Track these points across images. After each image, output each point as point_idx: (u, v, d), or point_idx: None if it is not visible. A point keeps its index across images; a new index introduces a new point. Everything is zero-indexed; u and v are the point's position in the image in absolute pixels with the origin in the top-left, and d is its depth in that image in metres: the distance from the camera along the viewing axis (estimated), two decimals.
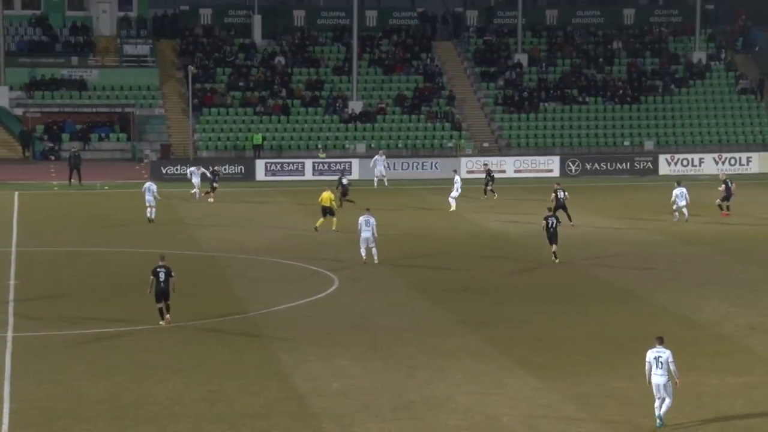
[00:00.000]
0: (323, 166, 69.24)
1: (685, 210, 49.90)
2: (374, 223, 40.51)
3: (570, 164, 71.30)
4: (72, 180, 64.40)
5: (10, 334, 30.40)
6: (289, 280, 38.09)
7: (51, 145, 74.99)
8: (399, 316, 32.78)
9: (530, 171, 68.96)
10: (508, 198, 57.46)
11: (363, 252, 40.59)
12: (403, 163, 70.22)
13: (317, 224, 47.18)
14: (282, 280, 38.08)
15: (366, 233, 40.34)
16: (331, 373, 26.92)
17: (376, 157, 65.44)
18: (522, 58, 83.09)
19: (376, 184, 63.91)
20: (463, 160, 71.34)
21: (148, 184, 51.99)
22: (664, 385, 23.36)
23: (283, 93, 79.07)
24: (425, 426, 23.41)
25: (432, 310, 33.69)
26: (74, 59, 79.21)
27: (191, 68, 74.68)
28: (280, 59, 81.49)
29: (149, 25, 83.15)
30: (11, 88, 76.34)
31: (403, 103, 79.04)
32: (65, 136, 75.58)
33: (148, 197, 50.84)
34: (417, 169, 69.29)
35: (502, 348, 29.24)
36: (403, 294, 35.86)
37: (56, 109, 76.56)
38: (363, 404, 24.67)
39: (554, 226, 41.28)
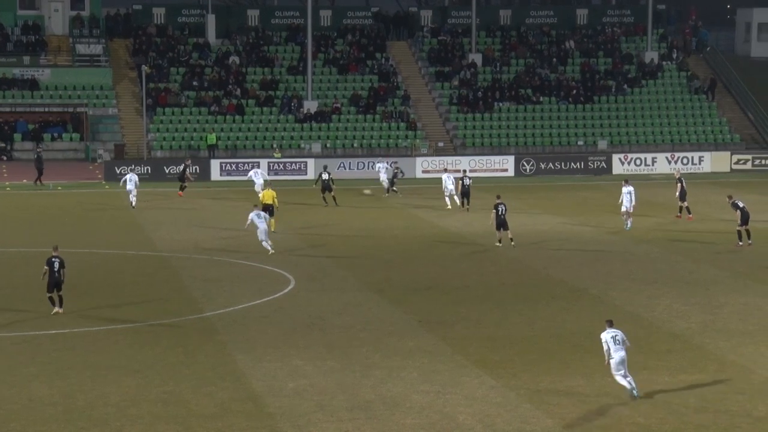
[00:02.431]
0: (279, 166, 69.12)
1: (629, 220, 48.24)
2: (266, 216, 43.04)
3: (524, 164, 71.66)
4: (39, 181, 63.68)
5: None
6: (245, 280, 37.99)
7: (2, 145, 74.31)
8: (355, 316, 32.79)
9: (485, 171, 69.21)
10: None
11: (266, 244, 42.30)
12: (358, 162, 70.28)
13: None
14: (237, 280, 37.97)
15: (262, 225, 42.35)
16: (287, 373, 26.88)
17: (379, 165, 63.88)
18: (476, 57, 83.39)
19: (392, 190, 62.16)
20: (419, 159, 71.50)
21: (129, 175, 55.24)
22: (625, 360, 24.93)
23: (238, 92, 78.85)
24: (382, 425, 23.43)
25: (388, 309, 33.73)
26: (26, 58, 78.54)
27: (145, 68, 74.29)
28: (234, 59, 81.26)
29: (102, 25, 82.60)
30: None
31: (358, 102, 79.07)
32: (17, 136, 74.93)
33: (129, 186, 54.29)
34: (372, 168, 69.23)
35: (458, 347, 29.32)
36: (359, 294, 35.88)
37: (8, 109, 75.90)
38: (319, 404, 24.66)
39: (503, 213, 43.75)
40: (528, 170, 71.30)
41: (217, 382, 26.17)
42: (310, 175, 66.70)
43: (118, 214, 53.77)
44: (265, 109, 78.10)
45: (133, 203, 54.46)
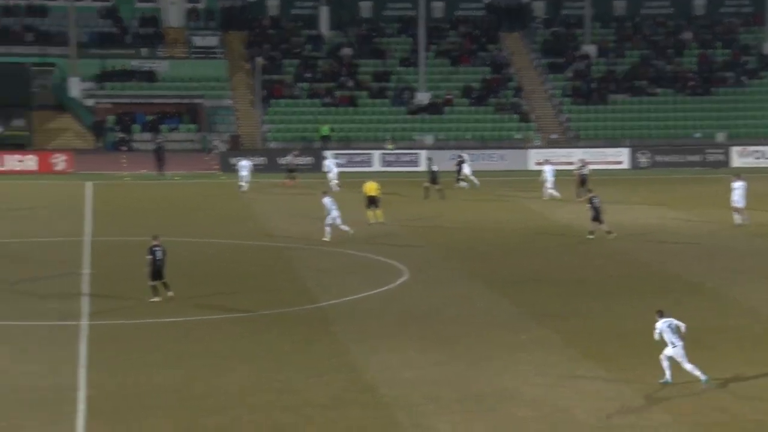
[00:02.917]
0: (391, 158, 69.36)
1: (738, 216, 46.73)
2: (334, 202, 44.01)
3: (640, 156, 70.78)
4: (162, 171, 65.06)
5: (84, 323, 30.87)
6: (358, 271, 38.24)
7: (122, 135, 75.85)
8: (467, 308, 32.80)
9: (599, 163, 68.48)
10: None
11: (330, 230, 43.11)
12: (470, 154, 70.01)
13: (369, 219, 47.19)
14: (350, 271, 38.24)
15: (335, 212, 43.26)
16: (400, 364, 26.99)
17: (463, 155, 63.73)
18: (590, 49, 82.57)
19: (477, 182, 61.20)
20: (532, 151, 71.06)
21: (244, 162, 58.73)
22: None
23: (350, 84, 79.27)
24: (495, 417, 23.39)
25: (499, 301, 33.67)
26: (144, 51, 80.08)
27: (259, 60, 75.11)
28: (346, 50, 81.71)
29: (217, 17, 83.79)
30: (82, 80, 77.34)
31: (471, 94, 78.91)
32: (136, 127, 76.43)
33: (244, 173, 57.79)
34: (484, 160, 69.13)
35: (571, 340, 29.12)
36: (471, 285, 35.87)
37: (127, 100, 77.43)
38: (433, 395, 24.70)
39: (598, 205, 43.93)
40: (643, 163, 70.39)
41: (332, 371, 26.40)
42: (423, 166, 66.75)
43: (233, 204, 54.55)
44: (377, 100, 78.41)
45: (244, 188, 57.32)
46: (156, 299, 33.08)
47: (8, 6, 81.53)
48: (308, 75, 79.73)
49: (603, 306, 32.96)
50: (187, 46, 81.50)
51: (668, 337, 25.01)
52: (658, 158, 70.82)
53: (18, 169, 66.69)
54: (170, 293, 33.24)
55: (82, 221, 48.84)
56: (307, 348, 28.47)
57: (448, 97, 78.52)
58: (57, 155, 68.19)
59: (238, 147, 73.07)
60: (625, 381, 25.66)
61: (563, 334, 29.77)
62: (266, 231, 46.57)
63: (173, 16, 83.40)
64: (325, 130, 74.33)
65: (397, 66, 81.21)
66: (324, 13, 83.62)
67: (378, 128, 76.27)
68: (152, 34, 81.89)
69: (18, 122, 75.07)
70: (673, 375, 25.25)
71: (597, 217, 43.97)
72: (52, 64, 78.36)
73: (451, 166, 61.85)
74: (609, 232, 43.96)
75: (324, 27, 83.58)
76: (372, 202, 47.61)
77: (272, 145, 74.52)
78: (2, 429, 22.56)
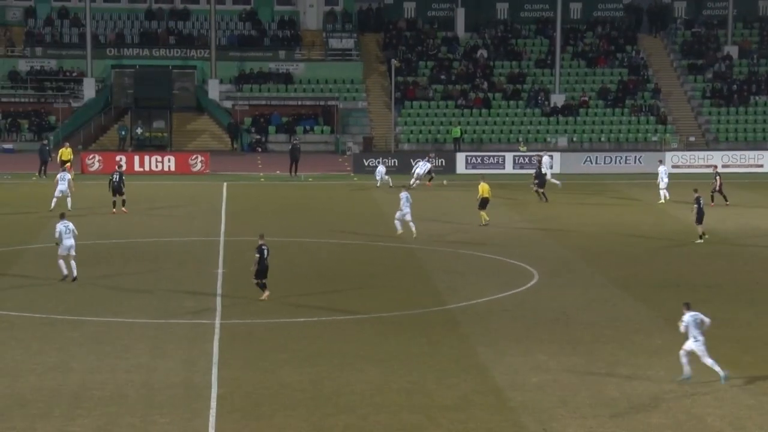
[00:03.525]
0: (524, 160, 68.86)
1: None
2: (409, 198, 44.81)
3: None
4: (296, 172, 65.81)
5: (217, 322, 31.32)
6: (488, 274, 38.01)
7: (258, 137, 76.93)
8: (600, 312, 32.31)
9: (739, 166, 66.87)
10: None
11: (399, 225, 44.38)
12: (605, 157, 69.19)
13: (482, 220, 47.19)
14: (481, 274, 38.03)
15: (407, 208, 44.24)
16: (529, 368, 26.73)
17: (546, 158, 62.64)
18: (732, 50, 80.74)
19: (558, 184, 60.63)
20: (668, 154, 69.81)
21: (379, 167, 61.38)
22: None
23: (485, 86, 78.99)
24: (626, 424, 22.98)
25: (634, 306, 33.09)
26: (281, 53, 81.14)
27: (394, 62, 75.39)
28: (482, 52, 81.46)
29: (354, 19, 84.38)
30: (221, 82, 78.72)
31: (607, 96, 77.90)
32: (272, 129, 77.45)
33: (377, 177, 60.63)
34: (620, 163, 68.20)
35: (708, 346, 28.37)
36: (604, 289, 35.33)
37: (263, 102, 78.54)
38: (562, 400, 24.39)
39: (703, 205, 43.72)
40: None
41: (459, 374, 26.28)
42: (556, 168, 66.10)
43: (365, 205, 54.81)
44: (511, 102, 77.97)
45: (378, 184, 59.90)
46: (267, 293, 33.33)
47: (152, 10, 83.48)
48: (443, 77, 79.72)
49: (745, 313, 32.09)
50: (323, 48, 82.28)
51: (692, 331, 25.12)
52: None
53: (157, 169, 68.17)
54: (266, 293, 33.46)
55: (218, 221, 49.63)
56: (435, 350, 28.39)
57: (584, 98, 77.66)
58: (195, 156, 69.49)
59: (371, 149, 73.44)
60: (764, 390, 24.94)
61: None
62: (397, 232, 46.59)
63: (311, 18, 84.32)
64: (456, 131, 74.26)
65: (532, 67, 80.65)
66: (460, 15, 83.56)
67: (511, 130, 75.83)
68: (290, 36, 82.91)
69: (159, 124, 76.82)
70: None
71: (701, 219, 43.24)
72: (192, 67, 79.96)
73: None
74: (701, 237, 43.15)
75: (460, 29, 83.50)
76: (483, 204, 47.56)
77: (405, 146, 74.69)
78: (136, 424, 23.02)
